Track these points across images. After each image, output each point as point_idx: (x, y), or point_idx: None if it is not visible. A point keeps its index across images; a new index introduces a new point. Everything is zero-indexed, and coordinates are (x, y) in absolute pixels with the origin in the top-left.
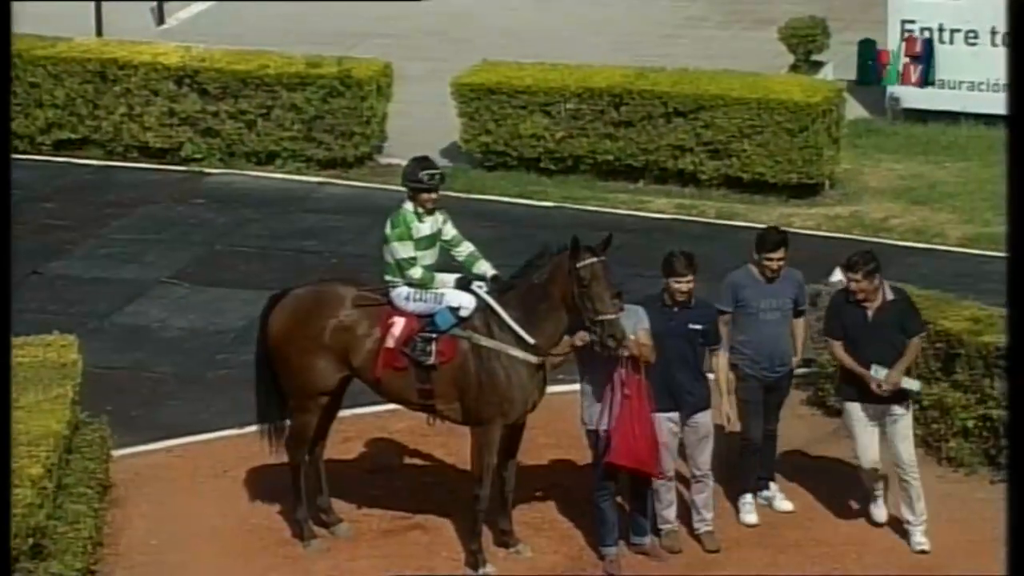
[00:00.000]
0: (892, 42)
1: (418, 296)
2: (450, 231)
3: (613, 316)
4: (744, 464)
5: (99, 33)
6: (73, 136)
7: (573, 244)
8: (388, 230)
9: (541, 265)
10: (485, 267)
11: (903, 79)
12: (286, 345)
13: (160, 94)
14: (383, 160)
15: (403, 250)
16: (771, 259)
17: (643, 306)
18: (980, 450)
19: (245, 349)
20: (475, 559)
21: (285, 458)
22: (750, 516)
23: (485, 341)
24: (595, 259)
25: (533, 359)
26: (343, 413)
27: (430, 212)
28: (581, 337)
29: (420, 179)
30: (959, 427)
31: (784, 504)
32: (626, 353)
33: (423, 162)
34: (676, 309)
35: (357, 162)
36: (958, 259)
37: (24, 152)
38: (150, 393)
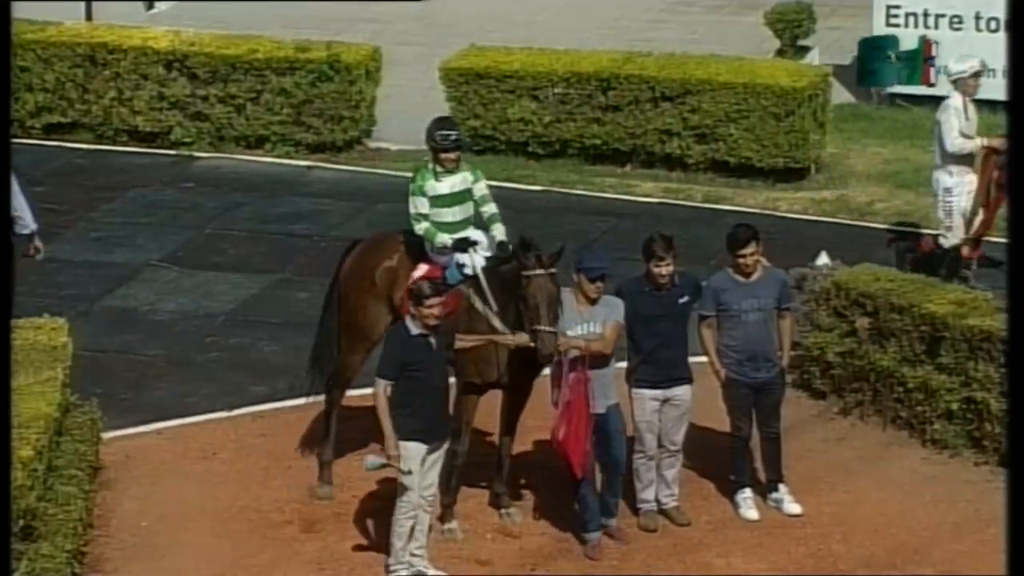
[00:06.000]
0: (877, 27)
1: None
2: (480, 190)
3: (546, 329)
4: (738, 460)
5: (89, 17)
6: (63, 120)
7: (523, 244)
8: (410, 184)
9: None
10: (498, 231)
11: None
12: (347, 284)
13: (150, 78)
14: (372, 144)
15: (413, 205)
16: (744, 255)
17: (629, 289)
18: (964, 432)
19: (234, 332)
20: (443, 512)
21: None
22: (751, 512)
23: (477, 303)
24: (541, 272)
25: (506, 331)
26: None
27: (450, 172)
28: (518, 337)
29: (435, 138)
30: (943, 409)
31: (793, 507)
32: (575, 354)
33: (441, 122)
34: (662, 292)
35: (346, 146)
36: None
37: (14, 136)
38: (140, 376)
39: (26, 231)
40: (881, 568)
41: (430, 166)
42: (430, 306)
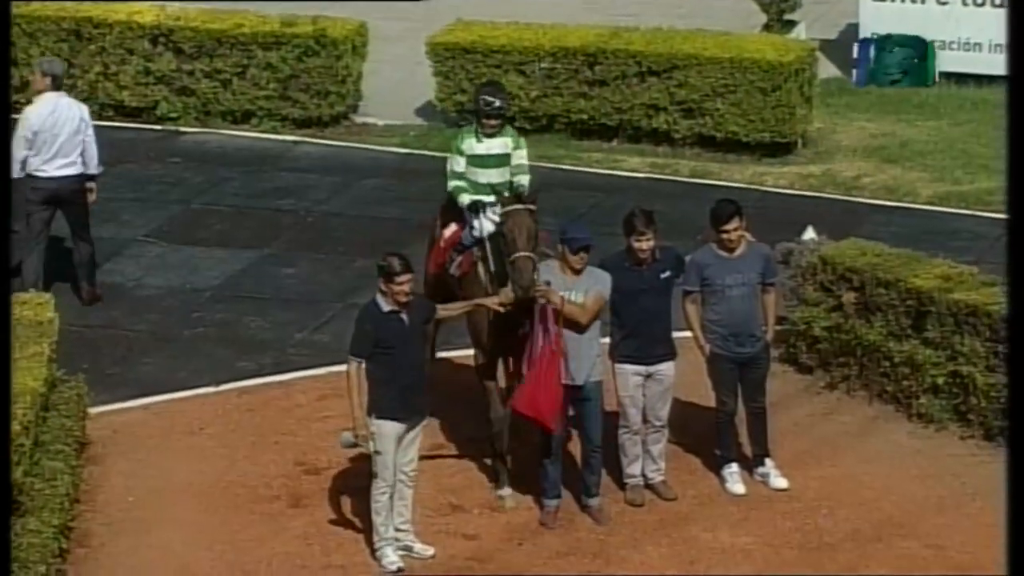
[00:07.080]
0: (863, 3)
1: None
2: (518, 158)
3: (522, 254)
4: (723, 434)
5: None
6: None
7: (501, 195)
8: (451, 141)
9: None
10: (522, 180)
11: None
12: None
13: (135, 53)
14: (358, 119)
15: (449, 162)
16: (727, 231)
17: (610, 264)
18: (950, 406)
19: (221, 307)
20: (496, 478)
21: None
22: (737, 486)
23: (481, 267)
24: (520, 207)
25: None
26: (319, 371)
27: (491, 135)
28: (505, 295)
29: (478, 102)
30: (929, 384)
31: (779, 481)
32: (544, 302)
33: (488, 87)
34: (643, 267)
35: (332, 121)
36: (929, 217)
37: None
38: (126, 351)
39: (93, 171)
40: (867, 542)
41: (473, 127)
42: (400, 283)
